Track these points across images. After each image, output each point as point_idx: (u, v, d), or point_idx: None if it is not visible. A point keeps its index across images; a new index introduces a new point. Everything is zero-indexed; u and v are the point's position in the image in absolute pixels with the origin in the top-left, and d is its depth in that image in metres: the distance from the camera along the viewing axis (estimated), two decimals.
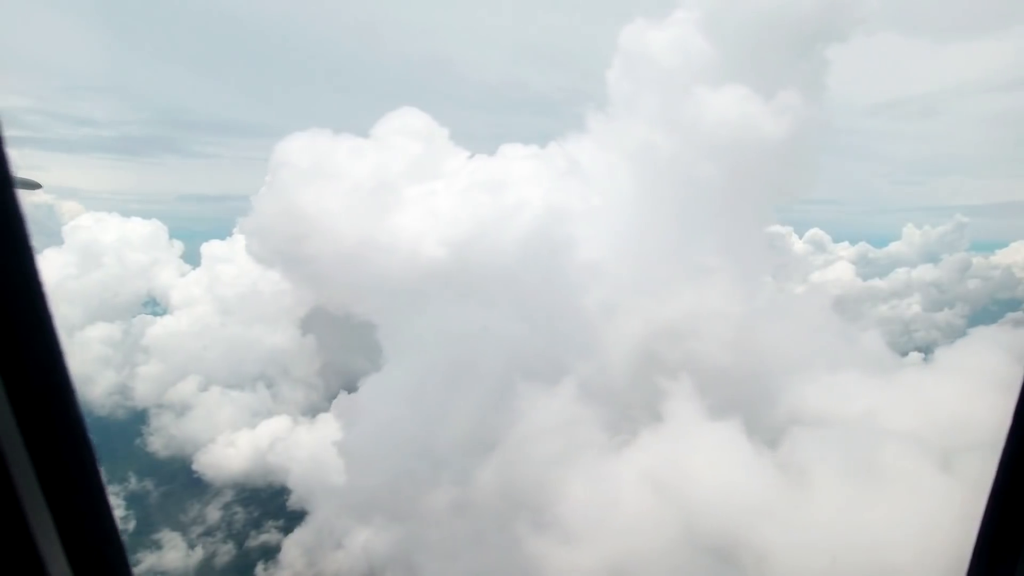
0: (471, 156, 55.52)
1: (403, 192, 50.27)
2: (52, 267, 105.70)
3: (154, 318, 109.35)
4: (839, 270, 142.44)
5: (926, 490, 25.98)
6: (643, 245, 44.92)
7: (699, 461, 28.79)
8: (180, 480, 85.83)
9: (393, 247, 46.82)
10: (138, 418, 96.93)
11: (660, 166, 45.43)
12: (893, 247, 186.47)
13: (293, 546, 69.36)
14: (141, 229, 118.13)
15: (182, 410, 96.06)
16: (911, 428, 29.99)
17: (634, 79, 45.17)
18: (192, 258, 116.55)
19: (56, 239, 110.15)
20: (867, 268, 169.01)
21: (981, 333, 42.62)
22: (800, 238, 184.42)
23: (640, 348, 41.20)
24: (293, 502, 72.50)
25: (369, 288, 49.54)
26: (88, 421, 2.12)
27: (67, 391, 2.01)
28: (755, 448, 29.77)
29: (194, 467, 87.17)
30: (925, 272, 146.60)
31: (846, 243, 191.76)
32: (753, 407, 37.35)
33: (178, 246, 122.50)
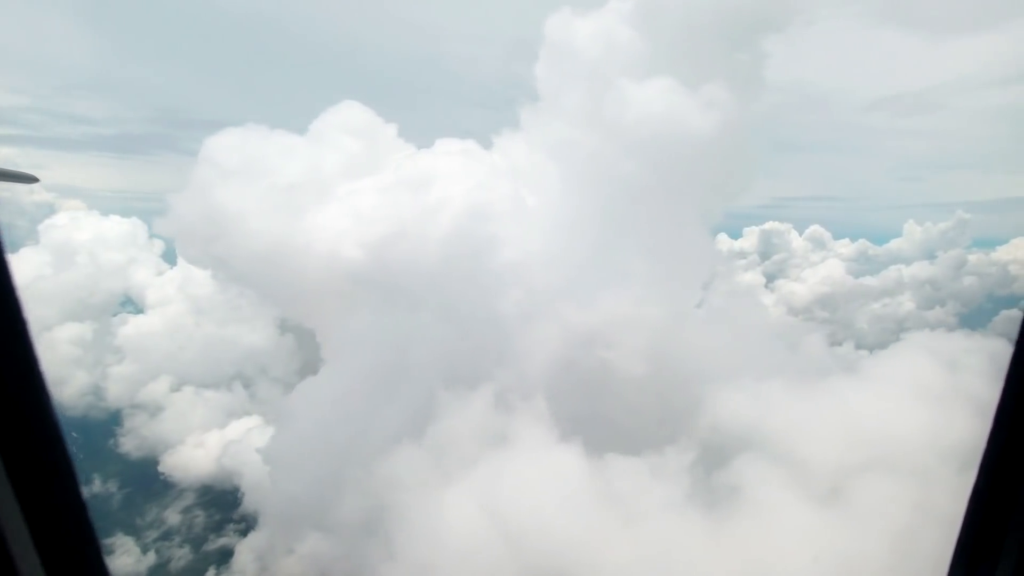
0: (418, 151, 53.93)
1: (333, 190, 48.74)
2: (27, 266, 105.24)
3: (130, 317, 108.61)
4: (830, 267, 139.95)
5: (797, 520, 24.16)
6: (571, 247, 43.14)
7: (548, 485, 27.06)
8: (145, 482, 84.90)
9: (316, 248, 45.34)
10: (111, 419, 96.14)
11: (591, 164, 43.53)
12: (894, 244, 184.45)
13: (246, 550, 68.12)
14: (118, 228, 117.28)
15: (155, 411, 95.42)
16: (809, 446, 28.17)
17: (561, 72, 43.32)
18: (173, 257, 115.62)
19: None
20: (867, 265, 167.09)
21: (915, 338, 40.60)
22: (800, 235, 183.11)
23: (563, 355, 39.52)
24: (248, 505, 71.20)
25: (298, 290, 48.14)
26: (61, 422, 2.06)
27: (40, 392, 1.97)
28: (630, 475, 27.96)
29: (160, 469, 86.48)
30: (920, 269, 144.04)
31: (847, 240, 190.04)
32: (666, 420, 35.64)
33: (158, 245, 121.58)
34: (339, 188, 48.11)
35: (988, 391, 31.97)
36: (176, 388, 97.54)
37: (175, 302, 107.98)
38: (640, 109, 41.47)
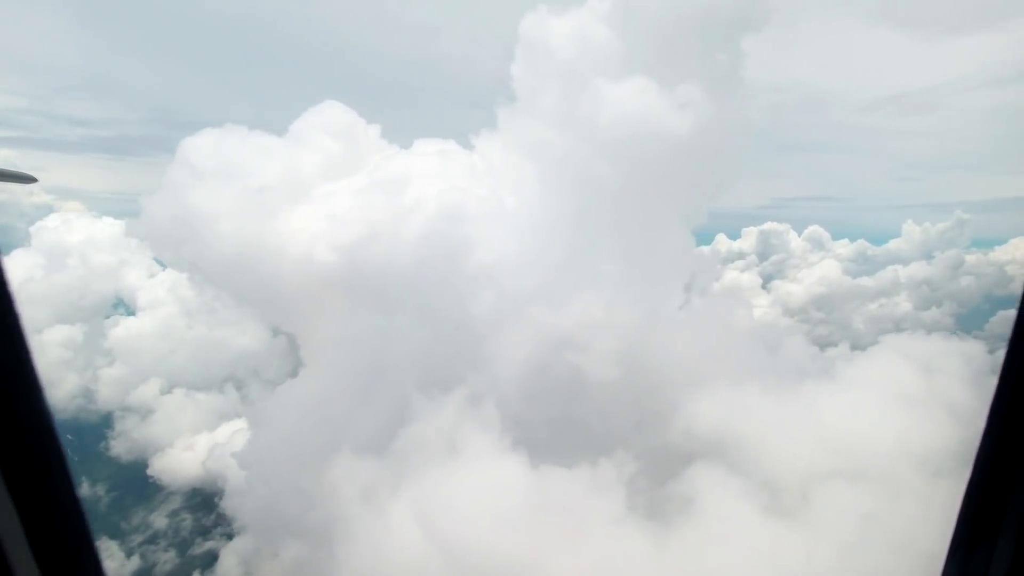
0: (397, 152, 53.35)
1: (309, 192, 48.18)
2: (18, 268, 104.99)
3: (123, 319, 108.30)
4: (826, 268, 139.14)
5: (756, 532, 23.45)
6: (549, 248, 42.55)
7: (501, 495, 26.40)
8: (133, 485, 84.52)
9: (292, 251, 44.80)
10: (103, 422, 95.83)
11: (568, 165, 42.93)
12: (892, 244, 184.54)
13: (231, 555, 67.63)
14: (111, 230, 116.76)
15: (146, 413, 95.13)
16: (777, 454, 27.52)
17: (537, 72, 42.69)
18: None
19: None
20: (865, 265, 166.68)
21: (893, 341, 39.92)
22: (799, 235, 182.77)
23: (538, 360, 38.95)
24: (228, 509, 70.57)
25: (275, 293, 47.61)
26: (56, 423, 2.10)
27: (35, 393, 1.97)
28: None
29: (149, 472, 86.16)
30: (917, 270, 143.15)
31: (845, 240, 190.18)
32: (637, 426, 35.08)
33: None
34: (316, 190, 47.59)
35: (964, 395, 31.35)
36: (167, 390, 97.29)
37: (167, 304, 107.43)
38: (617, 109, 40.88)
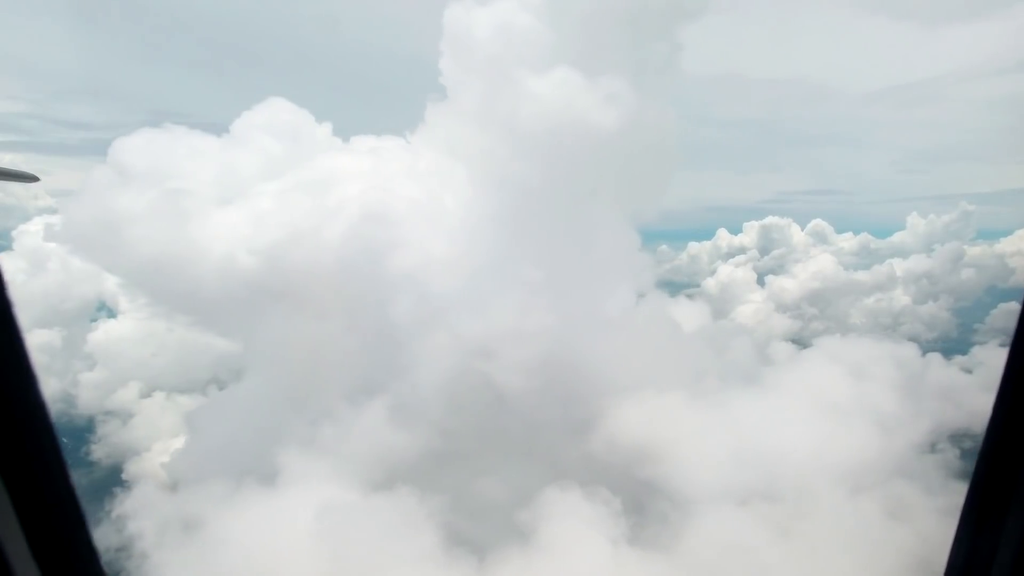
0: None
1: (246, 193, 46.71)
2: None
3: (105, 322, 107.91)
4: (821, 262, 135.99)
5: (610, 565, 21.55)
6: (478, 251, 40.74)
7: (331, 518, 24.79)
8: (107, 491, 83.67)
9: (222, 255, 43.36)
10: (85, 426, 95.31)
11: (504, 164, 41.08)
12: (897, 237, 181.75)
13: None
14: None
15: (126, 417, 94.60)
16: (684, 472, 25.59)
17: (463, 67, 40.72)
18: None
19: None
20: (868, 259, 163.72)
21: (826, 345, 37.67)
22: (803, 229, 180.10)
23: (461, 368, 37.32)
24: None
25: (208, 300, 46.20)
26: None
27: (32, 391, 1.97)
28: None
29: (124, 477, 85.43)
30: (917, 263, 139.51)
31: (849, 234, 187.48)
32: (561, 435, 33.33)
33: None
34: (247, 191, 46.14)
35: (892, 403, 29.28)
36: (146, 394, 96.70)
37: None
38: (546, 105, 39.00)
